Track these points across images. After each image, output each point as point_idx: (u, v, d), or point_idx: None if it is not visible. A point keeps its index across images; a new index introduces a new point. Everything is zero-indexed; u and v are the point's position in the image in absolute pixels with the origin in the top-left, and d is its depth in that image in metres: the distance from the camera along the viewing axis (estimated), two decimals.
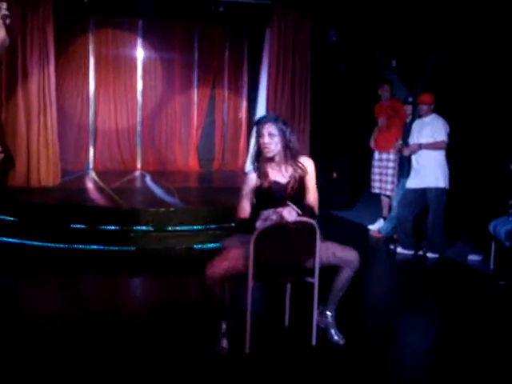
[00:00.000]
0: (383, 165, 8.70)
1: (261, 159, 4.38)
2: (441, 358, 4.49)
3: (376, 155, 8.81)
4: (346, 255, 4.34)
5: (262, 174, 4.35)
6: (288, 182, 4.35)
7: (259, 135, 4.31)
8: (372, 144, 8.93)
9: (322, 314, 4.56)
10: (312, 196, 4.43)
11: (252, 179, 4.39)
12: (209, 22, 11.44)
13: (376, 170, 8.82)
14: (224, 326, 4.37)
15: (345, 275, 4.36)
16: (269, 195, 4.32)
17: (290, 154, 4.36)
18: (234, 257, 4.19)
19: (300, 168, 4.38)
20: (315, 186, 4.46)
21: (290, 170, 4.37)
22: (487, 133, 8.47)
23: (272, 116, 4.56)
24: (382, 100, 8.79)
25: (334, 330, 4.55)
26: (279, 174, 4.38)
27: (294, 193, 4.33)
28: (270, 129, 4.27)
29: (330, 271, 4.44)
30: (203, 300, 5.02)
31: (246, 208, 4.37)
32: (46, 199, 8.06)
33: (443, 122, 7.42)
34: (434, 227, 7.44)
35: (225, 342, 4.33)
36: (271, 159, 4.36)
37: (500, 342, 4.80)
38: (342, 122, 10.20)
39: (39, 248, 7.10)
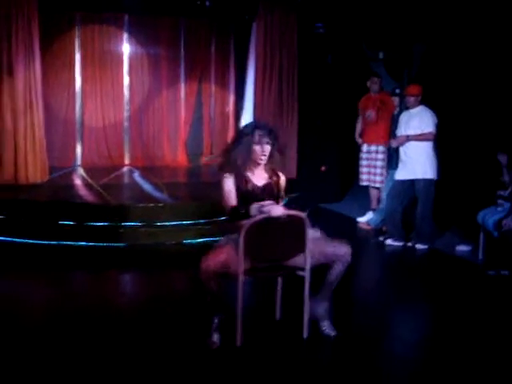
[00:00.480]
0: (372, 157, 8.68)
1: (248, 163, 4.45)
2: (432, 349, 4.51)
3: (364, 148, 8.79)
4: (336, 250, 4.39)
5: (243, 176, 4.45)
6: (267, 185, 4.51)
7: (258, 142, 4.39)
8: (358, 139, 8.92)
9: (314, 305, 4.57)
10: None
11: (231, 179, 4.44)
12: (195, 17, 11.40)
13: (364, 163, 8.80)
14: (216, 321, 4.37)
15: (336, 270, 4.40)
16: (251, 197, 4.39)
17: (271, 162, 4.52)
18: (228, 252, 4.21)
19: (276, 175, 4.58)
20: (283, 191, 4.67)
21: (267, 175, 4.54)
22: (475, 123, 8.49)
23: (269, 126, 4.67)
24: (370, 92, 8.77)
25: (325, 321, 4.56)
26: (258, 178, 4.52)
27: (272, 196, 4.45)
28: (268, 138, 4.41)
29: (322, 267, 4.45)
30: (194, 294, 5.04)
31: (233, 198, 4.42)
32: (34, 196, 8.02)
33: (431, 114, 7.44)
34: (422, 218, 7.46)
35: (216, 337, 4.33)
36: (257, 164, 4.47)
37: (490, 332, 4.82)
38: (330, 115, 10.19)
39: (28, 245, 7.06)
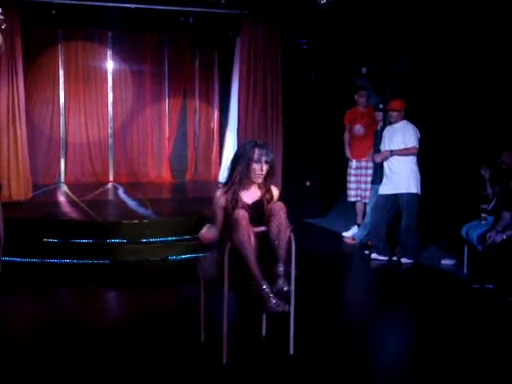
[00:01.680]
0: (362, 173, 8.66)
1: (244, 181, 4.45)
2: (418, 362, 4.52)
3: (354, 163, 8.76)
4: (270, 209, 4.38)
5: (235, 196, 4.43)
6: (257, 202, 4.49)
7: (258, 161, 4.40)
8: (348, 153, 8.89)
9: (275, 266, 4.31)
10: None
11: (220, 198, 4.44)
12: (179, 33, 11.43)
13: (352, 179, 8.77)
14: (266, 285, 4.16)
15: (272, 223, 4.28)
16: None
17: (267, 180, 4.54)
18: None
19: (270, 193, 4.56)
20: None
21: (260, 193, 4.53)
22: (458, 138, 8.54)
23: (267, 145, 4.66)
24: (357, 106, 8.78)
25: (281, 279, 4.20)
26: (250, 195, 4.51)
27: (260, 213, 4.42)
28: (267, 157, 4.43)
29: (307, 281, 4.45)
30: (180, 311, 5.01)
31: (218, 227, 4.45)
32: (18, 214, 7.96)
33: (413, 128, 7.48)
34: (407, 232, 7.48)
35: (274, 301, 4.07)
36: (253, 182, 4.48)
37: (475, 345, 4.84)
38: (314, 130, 10.23)
39: (12, 263, 6.99)
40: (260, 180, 4.47)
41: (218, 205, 4.43)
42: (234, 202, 4.40)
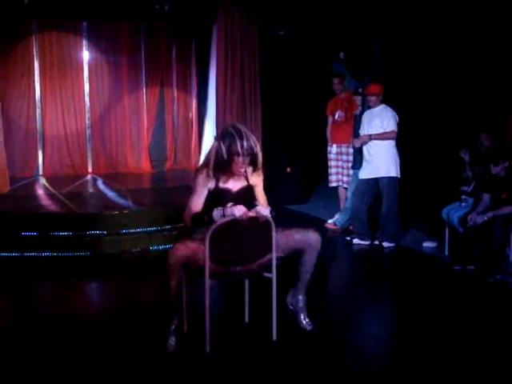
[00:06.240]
0: (343, 158, 8.63)
1: (223, 168, 4.30)
2: (401, 344, 4.53)
3: (334, 149, 8.73)
4: (304, 237, 4.38)
5: (217, 179, 4.32)
6: (241, 189, 4.40)
7: (239, 154, 4.21)
8: (329, 138, 8.86)
9: (293, 297, 4.59)
10: (262, 199, 4.51)
11: (205, 179, 4.33)
12: (154, 21, 11.34)
13: (333, 163, 8.74)
14: (174, 323, 4.32)
15: (308, 261, 4.38)
16: (221, 200, 4.27)
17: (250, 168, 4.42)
18: (196, 245, 4.18)
19: (250, 178, 4.46)
20: (263, 191, 4.57)
21: (243, 178, 4.42)
22: (437, 121, 8.56)
23: (250, 135, 4.36)
24: (336, 93, 8.73)
25: (303, 314, 4.55)
26: (233, 181, 4.39)
27: (245, 199, 4.34)
28: (250, 150, 4.24)
29: (290, 265, 4.44)
30: (161, 302, 4.98)
31: (200, 202, 4.32)
32: None
33: (392, 112, 7.47)
34: (387, 216, 7.49)
35: (173, 340, 4.29)
36: (233, 173, 4.35)
37: (458, 326, 4.86)
38: (294, 116, 10.20)
39: None
40: (242, 171, 4.33)
41: (201, 184, 4.31)
42: (218, 185, 4.32)
